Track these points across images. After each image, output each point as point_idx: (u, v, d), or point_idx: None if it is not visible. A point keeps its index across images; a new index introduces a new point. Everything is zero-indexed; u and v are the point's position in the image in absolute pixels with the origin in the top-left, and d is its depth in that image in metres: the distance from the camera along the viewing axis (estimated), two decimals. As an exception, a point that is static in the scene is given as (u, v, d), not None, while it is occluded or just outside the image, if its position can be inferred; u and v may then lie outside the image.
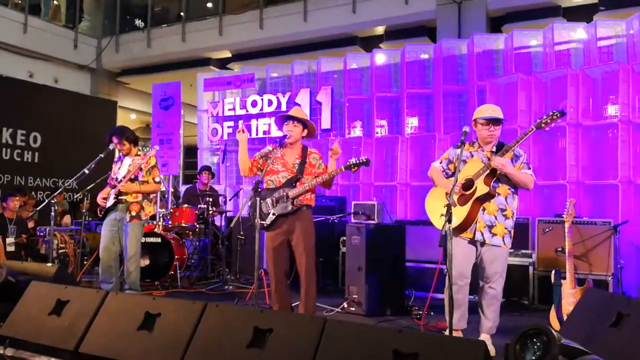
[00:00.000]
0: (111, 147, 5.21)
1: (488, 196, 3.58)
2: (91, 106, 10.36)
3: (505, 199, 3.66)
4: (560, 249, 4.77)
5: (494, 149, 3.71)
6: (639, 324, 2.70)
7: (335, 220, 6.11)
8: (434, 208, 3.79)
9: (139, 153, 5.10)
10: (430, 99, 7.27)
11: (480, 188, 3.57)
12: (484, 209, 3.62)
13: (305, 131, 4.23)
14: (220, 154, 8.22)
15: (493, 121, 3.69)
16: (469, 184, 3.61)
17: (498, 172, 3.59)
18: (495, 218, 3.63)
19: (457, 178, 3.39)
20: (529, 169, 3.71)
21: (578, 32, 6.48)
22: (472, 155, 3.78)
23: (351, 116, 7.77)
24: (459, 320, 3.71)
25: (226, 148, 7.98)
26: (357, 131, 7.75)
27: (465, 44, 7.17)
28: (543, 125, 3.53)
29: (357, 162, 4.01)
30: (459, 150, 3.65)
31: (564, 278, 4.30)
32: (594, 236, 5.03)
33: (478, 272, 3.71)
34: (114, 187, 4.96)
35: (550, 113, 3.53)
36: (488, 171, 3.57)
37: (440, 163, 3.96)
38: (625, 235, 5.28)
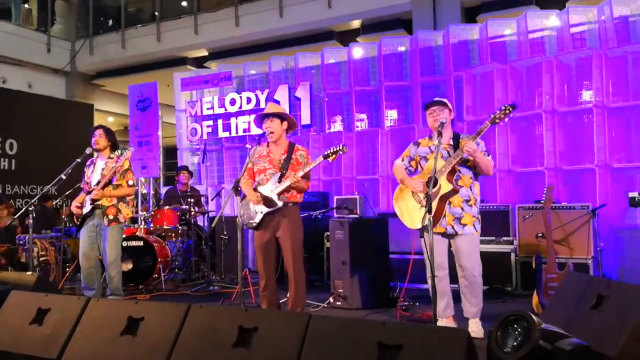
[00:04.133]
0: (87, 151, 5.13)
1: (452, 192, 3.68)
2: (67, 110, 10.21)
3: (470, 188, 3.77)
4: (540, 235, 4.83)
5: (451, 142, 3.81)
6: (619, 305, 2.75)
7: (319, 216, 6.11)
8: (403, 208, 3.89)
9: (112, 156, 4.98)
10: (409, 91, 7.30)
11: (444, 186, 3.66)
12: (450, 203, 3.72)
13: (285, 123, 4.18)
14: (200, 153, 8.15)
15: (434, 104, 3.81)
16: (433, 182, 3.67)
17: (458, 167, 3.69)
18: (462, 209, 3.73)
19: (435, 169, 3.43)
20: (489, 155, 3.82)
21: (551, 20, 6.55)
22: (431, 151, 3.86)
23: (331, 111, 7.76)
24: (444, 309, 3.81)
25: (206, 148, 7.91)
26: (337, 126, 7.76)
27: (441, 35, 7.20)
28: (497, 120, 3.63)
29: (335, 149, 4.01)
30: (419, 148, 3.91)
31: (545, 263, 4.37)
32: (573, 220, 5.11)
33: (455, 262, 3.79)
34: (89, 192, 4.88)
35: (503, 107, 3.63)
36: (450, 167, 3.64)
37: (402, 161, 4.01)
38: (603, 218, 5.36)
